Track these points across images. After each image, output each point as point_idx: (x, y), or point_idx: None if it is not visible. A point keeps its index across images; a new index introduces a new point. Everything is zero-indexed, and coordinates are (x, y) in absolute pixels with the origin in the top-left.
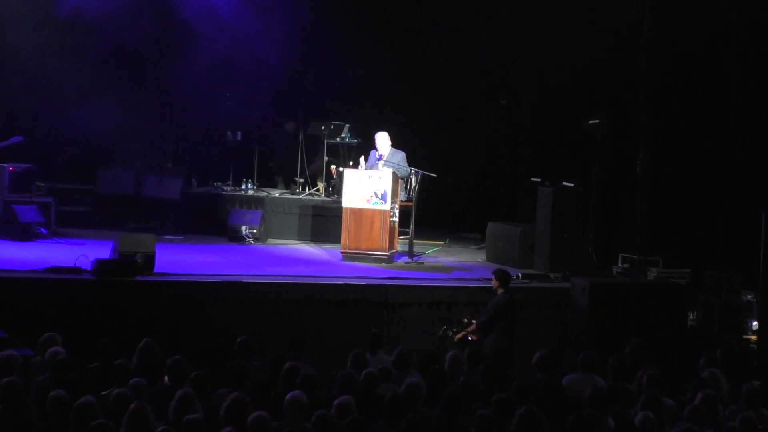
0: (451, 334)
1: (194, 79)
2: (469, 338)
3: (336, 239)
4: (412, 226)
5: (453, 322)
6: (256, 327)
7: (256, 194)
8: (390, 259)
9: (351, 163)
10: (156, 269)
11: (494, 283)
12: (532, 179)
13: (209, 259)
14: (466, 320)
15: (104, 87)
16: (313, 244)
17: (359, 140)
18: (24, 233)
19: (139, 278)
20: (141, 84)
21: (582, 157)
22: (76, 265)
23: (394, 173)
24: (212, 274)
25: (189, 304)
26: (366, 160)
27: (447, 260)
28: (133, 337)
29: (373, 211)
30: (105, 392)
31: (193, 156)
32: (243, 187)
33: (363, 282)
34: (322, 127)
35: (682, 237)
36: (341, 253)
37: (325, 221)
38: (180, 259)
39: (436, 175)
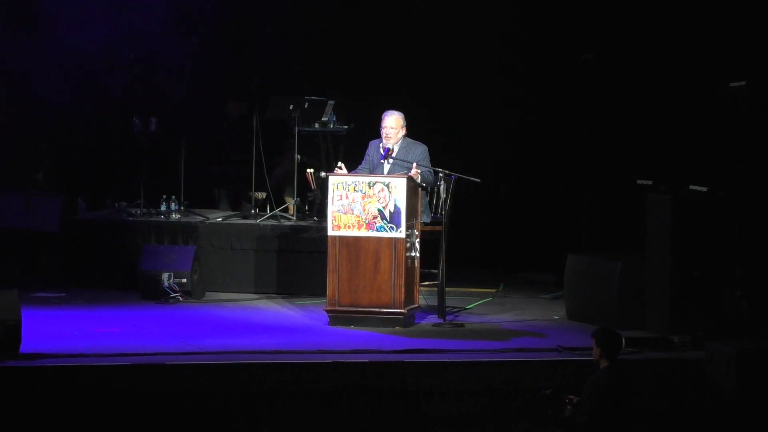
0: None
1: (80, 31)
2: None
3: (318, 290)
4: (442, 265)
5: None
6: None
7: (184, 220)
8: (408, 321)
9: (339, 164)
10: (23, 347)
11: (595, 352)
12: (638, 182)
13: (111, 329)
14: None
15: None
16: (280, 300)
17: (350, 126)
18: None
19: None
20: None
21: (718, 145)
22: None
23: (410, 179)
24: (117, 353)
25: (80, 402)
26: (343, 166)
27: (502, 319)
28: None
29: (379, 241)
30: None
31: (79, 161)
32: (163, 208)
33: (365, 359)
34: (291, 107)
35: None
36: (327, 312)
37: (300, 261)
38: (63, 330)
39: (479, 180)
